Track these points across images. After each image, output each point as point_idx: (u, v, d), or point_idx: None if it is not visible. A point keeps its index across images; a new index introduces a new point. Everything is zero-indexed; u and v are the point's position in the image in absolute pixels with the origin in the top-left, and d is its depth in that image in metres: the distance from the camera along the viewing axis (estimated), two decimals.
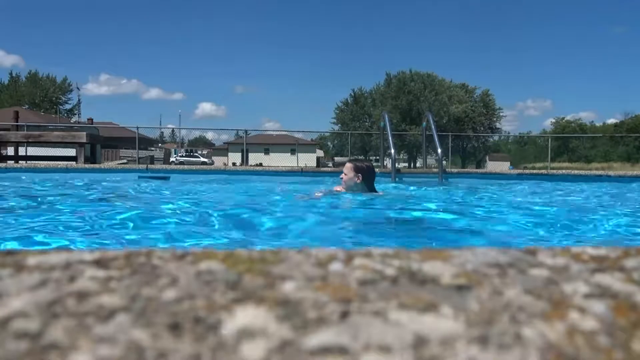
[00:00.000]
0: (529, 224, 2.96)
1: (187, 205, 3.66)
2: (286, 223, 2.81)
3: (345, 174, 3.83)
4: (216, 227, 2.68)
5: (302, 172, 9.24)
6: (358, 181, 3.79)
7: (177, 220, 2.84)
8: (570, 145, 52.87)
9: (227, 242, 2.21)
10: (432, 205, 3.90)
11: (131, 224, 2.65)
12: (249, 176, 8.21)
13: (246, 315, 0.34)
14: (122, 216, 2.92)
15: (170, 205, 3.50)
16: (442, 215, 3.32)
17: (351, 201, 3.65)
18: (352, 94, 52.76)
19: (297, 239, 2.37)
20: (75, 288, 0.38)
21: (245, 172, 9.35)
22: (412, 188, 5.64)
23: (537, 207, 3.88)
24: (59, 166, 8.42)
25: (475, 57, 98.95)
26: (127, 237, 2.33)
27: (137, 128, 16.66)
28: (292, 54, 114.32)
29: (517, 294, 0.39)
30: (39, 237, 2.24)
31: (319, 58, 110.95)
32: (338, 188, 3.94)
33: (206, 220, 2.90)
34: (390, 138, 7.59)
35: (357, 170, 3.81)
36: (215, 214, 3.00)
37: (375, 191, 3.93)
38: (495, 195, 5.27)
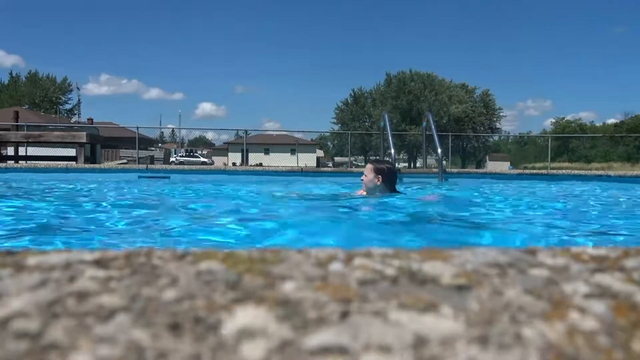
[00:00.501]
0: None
1: (188, 204, 3.66)
2: (294, 225, 2.79)
3: (365, 176, 3.76)
4: (224, 228, 2.67)
5: (302, 172, 9.25)
6: (378, 183, 3.70)
7: (177, 220, 2.84)
8: (570, 145, 52.86)
9: (235, 244, 2.20)
10: (452, 206, 3.87)
11: (130, 224, 2.65)
12: (250, 176, 8.21)
13: (246, 315, 0.34)
14: (121, 216, 2.92)
15: (168, 205, 3.50)
16: (463, 216, 3.29)
17: (366, 204, 3.57)
18: (352, 94, 52.81)
19: (306, 241, 2.35)
20: (75, 288, 0.38)
21: (245, 172, 9.36)
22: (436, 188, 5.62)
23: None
24: (59, 166, 8.42)
25: (475, 57, 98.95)
26: (127, 237, 2.33)
27: (137, 128, 16.65)
28: (292, 54, 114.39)
29: (517, 294, 0.39)
30: (39, 237, 2.24)
31: (319, 58, 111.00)
32: (359, 192, 3.86)
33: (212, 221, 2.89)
34: (390, 138, 7.59)
35: (377, 171, 3.72)
36: (225, 215, 2.98)
37: (397, 192, 3.82)
38: (508, 193, 5.26)
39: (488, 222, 3.14)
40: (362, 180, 3.80)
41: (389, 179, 3.76)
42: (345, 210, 3.40)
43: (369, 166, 3.81)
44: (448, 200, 4.56)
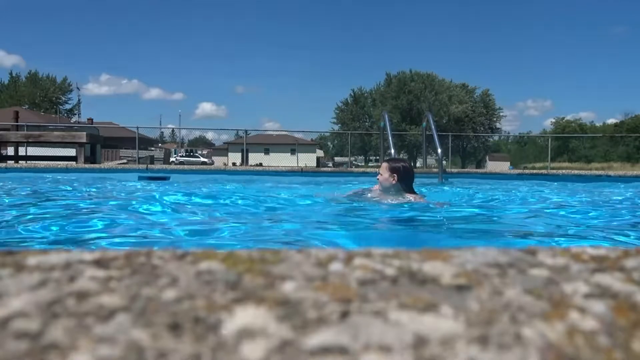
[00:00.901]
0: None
1: (193, 205, 3.65)
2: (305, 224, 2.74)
3: (380, 174, 3.64)
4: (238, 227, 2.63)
5: (302, 172, 9.25)
6: (394, 182, 3.56)
7: (180, 222, 2.84)
8: (570, 145, 52.88)
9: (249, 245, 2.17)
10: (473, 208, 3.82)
11: (132, 224, 2.65)
12: (250, 176, 8.21)
13: (246, 315, 0.34)
14: (121, 215, 2.92)
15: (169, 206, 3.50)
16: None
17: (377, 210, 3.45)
18: (352, 94, 52.87)
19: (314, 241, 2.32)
20: (75, 288, 0.38)
21: (245, 172, 9.36)
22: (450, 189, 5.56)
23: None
24: (59, 166, 8.43)
25: (475, 57, 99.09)
26: (129, 236, 2.33)
27: (137, 128, 16.66)
28: (292, 54, 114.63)
29: (517, 294, 0.39)
30: (39, 238, 2.24)
31: (319, 58, 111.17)
32: (375, 188, 3.76)
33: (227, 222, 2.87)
34: (390, 138, 7.59)
35: (392, 170, 3.58)
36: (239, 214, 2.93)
37: (414, 193, 3.68)
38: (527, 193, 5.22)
39: (489, 223, 3.12)
40: (378, 179, 3.70)
41: (405, 178, 3.63)
42: (358, 217, 3.26)
43: (384, 165, 3.69)
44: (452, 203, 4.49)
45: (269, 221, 2.89)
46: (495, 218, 3.43)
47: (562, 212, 3.67)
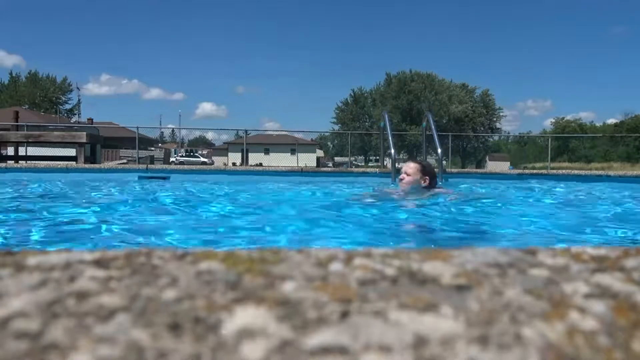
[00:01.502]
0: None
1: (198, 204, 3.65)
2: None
3: (408, 175, 3.46)
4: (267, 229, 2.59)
5: (302, 172, 9.24)
6: (424, 184, 3.42)
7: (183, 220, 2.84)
8: (570, 145, 52.89)
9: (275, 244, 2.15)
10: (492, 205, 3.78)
11: (132, 224, 2.65)
12: (249, 176, 8.21)
13: (246, 315, 0.34)
14: (121, 215, 2.92)
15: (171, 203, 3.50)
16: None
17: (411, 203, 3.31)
18: (352, 94, 52.89)
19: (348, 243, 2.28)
20: (75, 288, 0.38)
21: (245, 172, 9.36)
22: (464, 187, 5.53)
23: None
24: (59, 166, 8.41)
25: (475, 57, 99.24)
26: (129, 236, 2.33)
27: (137, 128, 16.68)
28: (292, 54, 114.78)
29: (517, 294, 0.39)
30: (39, 237, 2.24)
31: (319, 58, 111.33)
32: (390, 190, 3.62)
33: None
34: (390, 138, 7.58)
35: (425, 172, 3.44)
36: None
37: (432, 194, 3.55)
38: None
39: (491, 223, 3.12)
40: (401, 179, 3.51)
41: (433, 183, 3.51)
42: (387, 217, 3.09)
43: (416, 165, 3.52)
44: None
45: (281, 222, 2.87)
46: (498, 218, 3.42)
47: (562, 212, 3.67)
